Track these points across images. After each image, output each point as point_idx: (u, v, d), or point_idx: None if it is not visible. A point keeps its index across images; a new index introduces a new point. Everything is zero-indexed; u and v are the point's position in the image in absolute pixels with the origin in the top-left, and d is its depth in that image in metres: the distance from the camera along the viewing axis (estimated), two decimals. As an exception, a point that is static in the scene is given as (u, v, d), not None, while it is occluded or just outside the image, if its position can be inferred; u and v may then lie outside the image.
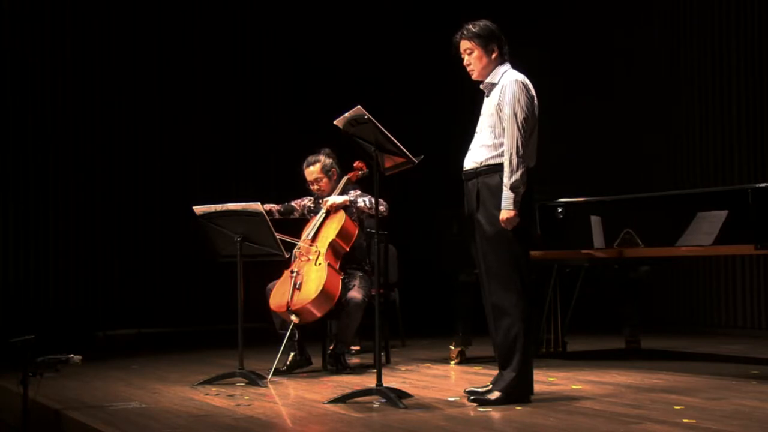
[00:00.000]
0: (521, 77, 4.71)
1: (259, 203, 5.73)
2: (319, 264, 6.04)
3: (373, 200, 6.13)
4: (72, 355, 4.83)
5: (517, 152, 4.56)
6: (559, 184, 7.08)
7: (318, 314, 5.94)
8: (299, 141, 8.40)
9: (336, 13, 10.53)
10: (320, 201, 6.45)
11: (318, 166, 6.37)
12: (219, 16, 10.28)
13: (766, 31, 8.41)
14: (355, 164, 6.37)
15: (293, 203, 6.55)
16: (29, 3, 9.34)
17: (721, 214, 5.42)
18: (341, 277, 6.10)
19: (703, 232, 5.49)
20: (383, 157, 4.87)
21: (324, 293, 5.90)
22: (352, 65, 10.47)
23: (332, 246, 6.13)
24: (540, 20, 10.28)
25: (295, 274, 6.02)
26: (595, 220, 6.13)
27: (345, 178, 6.40)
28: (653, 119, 9.34)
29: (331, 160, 6.41)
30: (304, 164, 6.44)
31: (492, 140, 4.69)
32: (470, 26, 4.78)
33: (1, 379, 5.62)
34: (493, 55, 4.75)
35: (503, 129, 4.64)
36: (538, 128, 4.72)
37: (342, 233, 6.15)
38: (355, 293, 6.07)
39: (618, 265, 6.83)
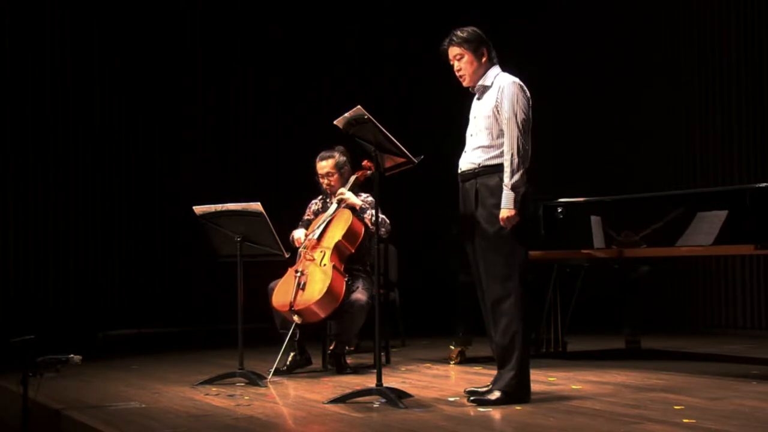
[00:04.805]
0: (517, 79, 4.75)
1: (259, 203, 5.72)
2: (324, 265, 6.02)
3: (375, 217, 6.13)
4: (72, 355, 4.82)
5: (518, 152, 4.59)
6: (559, 184, 7.09)
7: (321, 315, 5.93)
8: (300, 141, 8.42)
9: (336, 12, 10.54)
10: (328, 200, 6.45)
11: (332, 161, 6.38)
12: (219, 16, 10.28)
13: (766, 31, 8.41)
14: (363, 163, 6.35)
15: (305, 217, 6.52)
16: (30, 2, 9.35)
17: (721, 214, 5.42)
18: (345, 278, 6.09)
19: (703, 232, 5.49)
20: (383, 157, 4.88)
21: (328, 295, 5.89)
22: (352, 65, 10.48)
23: (338, 247, 6.12)
24: (540, 19, 10.29)
25: (299, 274, 5.99)
26: (595, 220, 6.13)
27: (353, 177, 6.38)
28: (653, 119, 9.34)
29: (344, 159, 6.42)
30: (318, 158, 6.45)
31: (489, 141, 4.70)
32: (458, 32, 4.80)
33: (1, 379, 5.62)
34: (483, 59, 4.78)
35: (501, 130, 4.66)
36: (533, 130, 4.74)
37: (348, 234, 6.13)
38: (360, 295, 6.06)
39: (618, 265, 6.83)
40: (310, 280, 5.95)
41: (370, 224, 6.21)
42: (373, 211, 6.17)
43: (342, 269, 6.11)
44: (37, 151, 9.31)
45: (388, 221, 6.26)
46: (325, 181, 6.41)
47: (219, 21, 10.27)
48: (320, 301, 5.87)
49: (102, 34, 9.67)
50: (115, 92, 9.68)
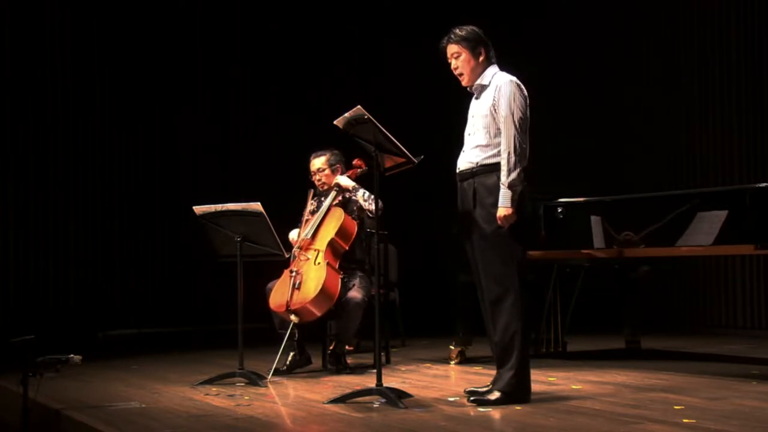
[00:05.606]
0: (514, 78, 4.75)
1: (259, 203, 5.73)
2: (318, 263, 6.04)
3: (370, 195, 6.16)
4: (72, 355, 4.82)
5: (515, 151, 4.59)
6: (559, 184, 7.09)
7: (317, 313, 5.94)
8: (300, 141, 8.40)
9: (336, 12, 10.54)
10: (323, 198, 6.47)
11: (324, 159, 6.46)
12: (219, 16, 10.28)
13: (766, 31, 8.41)
14: (354, 162, 6.41)
15: (303, 220, 6.55)
16: (30, 2, 9.35)
17: (721, 214, 5.42)
18: (340, 276, 6.10)
19: (703, 232, 5.49)
20: (383, 157, 4.87)
21: (323, 292, 5.90)
22: (352, 65, 10.49)
23: (331, 245, 6.13)
24: (540, 19, 10.29)
25: (294, 274, 6.01)
26: (595, 220, 6.13)
27: (345, 176, 6.41)
28: (653, 119, 9.35)
29: (337, 158, 6.46)
30: (312, 156, 6.52)
31: (487, 140, 4.70)
32: (457, 30, 4.81)
33: (1, 379, 5.62)
34: (481, 58, 4.78)
35: (498, 129, 4.66)
36: (531, 129, 4.74)
37: (341, 232, 6.16)
38: (355, 293, 6.07)
39: (618, 265, 6.84)
40: (305, 279, 5.96)
41: (362, 201, 6.23)
42: (365, 192, 6.21)
43: (336, 267, 6.12)
44: (37, 151, 9.32)
45: (380, 201, 6.25)
46: (317, 177, 6.46)
47: (219, 21, 10.28)
48: (315, 300, 5.87)
49: (102, 34, 9.67)
50: (115, 92, 9.68)
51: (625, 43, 9.69)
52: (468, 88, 4.86)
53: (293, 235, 6.36)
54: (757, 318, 8.43)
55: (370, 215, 6.24)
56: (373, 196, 6.02)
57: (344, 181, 6.33)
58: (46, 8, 9.42)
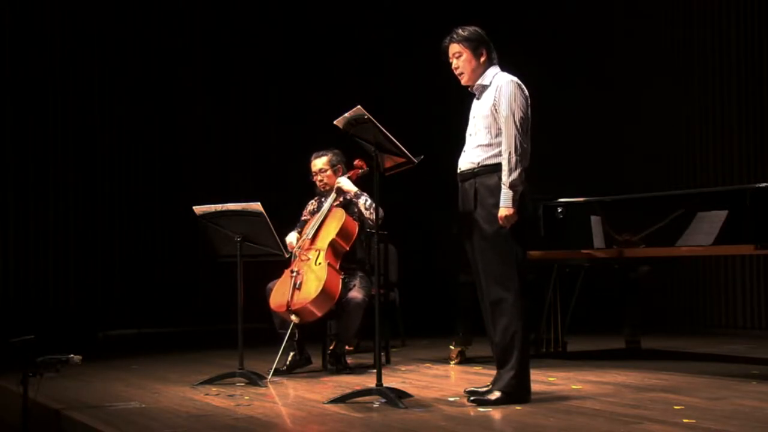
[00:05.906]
0: (515, 78, 4.75)
1: (259, 203, 5.73)
2: (319, 264, 6.04)
3: (372, 203, 6.14)
4: (72, 355, 4.83)
5: (516, 151, 4.59)
6: (559, 184, 7.09)
7: (318, 314, 5.94)
8: (299, 141, 8.41)
9: (336, 13, 10.54)
10: (323, 199, 6.47)
11: (325, 159, 6.45)
12: (219, 16, 10.28)
13: (766, 31, 8.41)
14: (355, 162, 6.40)
15: (302, 218, 6.55)
16: (30, 2, 9.35)
17: (721, 214, 5.42)
18: (341, 276, 6.10)
19: (703, 232, 5.49)
20: (383, 157, 4.87)
21: (324, 293, 5.90)
22: (352, 65, 10.49)
23: (332, 245, 6.13)
24: (540, 19, 10.29)
25: (295, 274, 6.01)
26: (595, 220, 6.13)
27: (346, 176, 6.41)
28: (653, 119, 9.34)
29: (338, 158, 6.46)
30: (312, 156, 6.51)
31: (488, 140, 4.70)
32: (459, 30, 4.82)
33: (1, 379, 5.61)
34: (482, 59, 4.78)
35: (499, 129, 4.66)
36: (532, 129, 4.74)
37: (342, 232, 6.16)
38: (356, 293, 6.07)
39: (618, 265, 6.84)
40: (306, 280, 5.96)
41: (363, 209, 6.23)
42: (367, 199, 6.20)
43: (337, 267, 6.12)
44: (37, 151, 9.32)
45: (380, 208, 6.26)
46: (318, 177, 6.46)
47: (219, 21, 10.28)
48: (316, 300, 5.87)
49: (102, 34, 9.67)
50: (115, 92, 9.68)
51: (625, 43, 9.68)
52: (469, 88, 4.86)
53: (291, 238, 6.33)
54: (757, 318, 8.43)
55: (371, 223, 6.22)
56: (374, 205, 5.96)
57: (346, 185, 6.30)
58: (45, 8, 9.42)
